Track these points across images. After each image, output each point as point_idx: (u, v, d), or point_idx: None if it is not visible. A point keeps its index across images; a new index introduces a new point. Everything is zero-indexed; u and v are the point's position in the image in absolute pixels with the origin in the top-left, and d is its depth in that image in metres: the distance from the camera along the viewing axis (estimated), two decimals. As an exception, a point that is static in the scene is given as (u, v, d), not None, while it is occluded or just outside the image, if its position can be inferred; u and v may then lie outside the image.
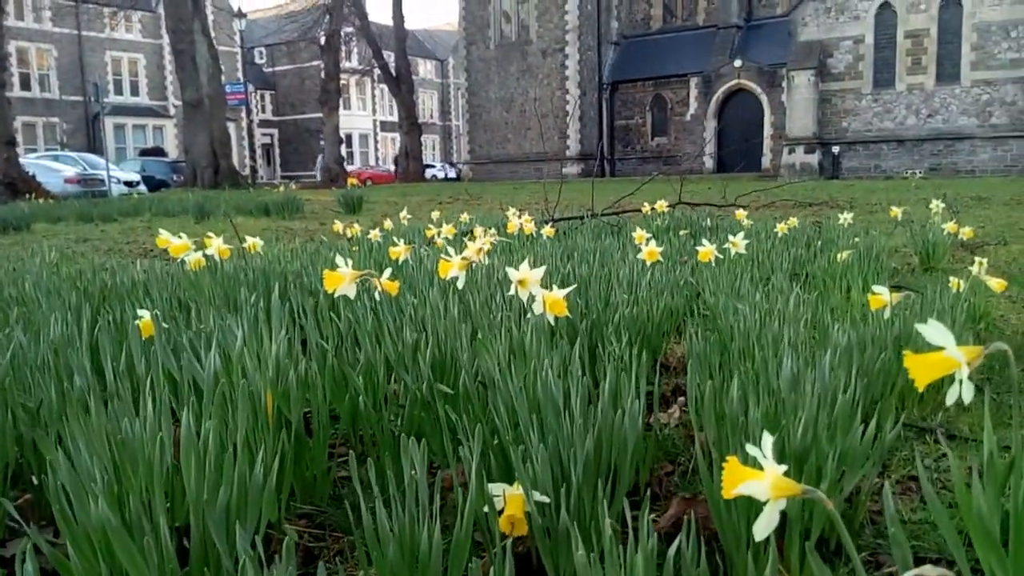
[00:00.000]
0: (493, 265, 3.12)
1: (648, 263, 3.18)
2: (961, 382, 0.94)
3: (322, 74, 33.68)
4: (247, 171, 35.80)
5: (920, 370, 0.95)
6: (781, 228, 4.83)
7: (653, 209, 6.68)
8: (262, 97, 52.82)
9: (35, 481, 1.65)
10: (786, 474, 0.88)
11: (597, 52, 35.81)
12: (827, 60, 26.23)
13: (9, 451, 1.68)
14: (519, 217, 4.90)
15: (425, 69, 59.01)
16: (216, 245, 3.14)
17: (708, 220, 6.47)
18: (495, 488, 1.31)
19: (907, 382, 1.79)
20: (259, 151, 50.68)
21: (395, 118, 44.14)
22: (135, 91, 42.79)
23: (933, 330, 0.94)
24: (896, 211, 5.68)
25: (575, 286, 2.41)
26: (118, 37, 41.28)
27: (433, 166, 47.94)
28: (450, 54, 56.63)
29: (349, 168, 38.21)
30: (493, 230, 4.37)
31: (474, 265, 2.60)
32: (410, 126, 36.07)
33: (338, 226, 5.81)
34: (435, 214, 5.98)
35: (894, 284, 3.93)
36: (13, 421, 1.70)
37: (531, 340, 1.87)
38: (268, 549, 1.44)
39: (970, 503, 1.08)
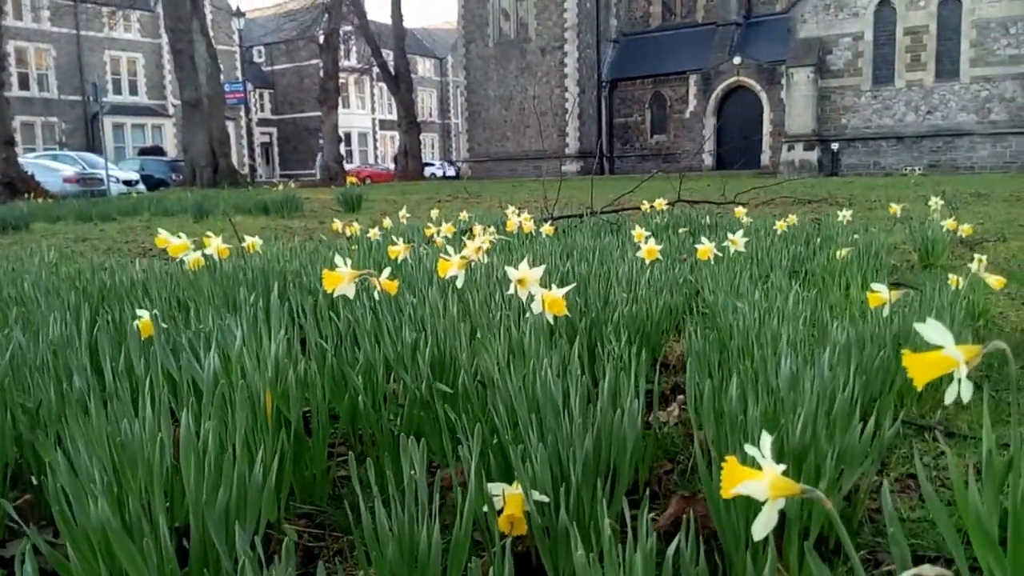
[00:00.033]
0: (492, 264, 3.12)
1: (647, 261, 3.18)
2: (960, 381, 0.94)
3: (321, 73, 33.64)
4: (246, 170, 35.78)
5: (919, 369, 0.95)
6: (780, 225, 4.83)
7: (652, 207, 6.68)
8: (261, 96, 52.79)
9: (35, 481, 1.65)
10: (785, 473, 0.88)
11: (596, 50, 35.79)
12: (826, 57, 26.22)
13: (8, 452, 1.68)
14: (518, 215, 4.90)
15: (424, 67, 58.97)
16: (215, 244, 3.14)
17: (707, 218, 6.47)
18: (494, 488, 1.31)
19: (906, 380, 1.79)
20: (258, 150, 50.65)
21: (394, 116, 44.12)
22: (134, 90, 42.76)
23: (931, 329, 0.94)
24: (895, 208, 5.68)
25: (574, 285, 2.41)
26: (117, 36, 41.24)
27: (432, 164, 47.91)
28: (449, 52, 56.60)
29: (348, 167, 38.20)
30: (492, 228, 4.37)
31: (473, 264, 2.60)
32: (409, 124, 36.04)
33: (337, 225, 5.81)
34: (434, 212, 5.98)
35: (893, 281, 3.93)
36: (12, 422, 1.70)
37: (530, 339, 1.87)
38: (268, 549, 1.44)
39: (968, 502, 1.08)
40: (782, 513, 0.88)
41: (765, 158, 30.50)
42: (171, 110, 42.26)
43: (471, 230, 4.71)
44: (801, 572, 1.32)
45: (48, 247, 5.95)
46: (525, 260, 1.90)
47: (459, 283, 2.17)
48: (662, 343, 2.78)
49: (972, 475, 1.15)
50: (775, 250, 4.24)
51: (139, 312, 2.09)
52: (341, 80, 35.90)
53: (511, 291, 1.91)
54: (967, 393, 0.94)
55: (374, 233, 4.56)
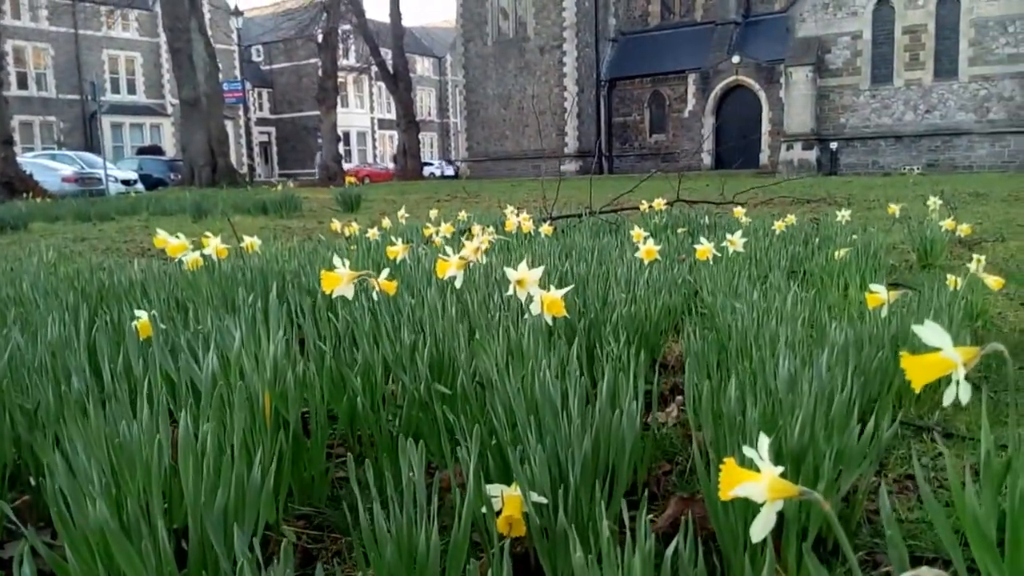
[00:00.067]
0: (491, 264, 3.12)
1: (646, 261, 3.18)
2: (958, 383, 0.95)
3: (319, 72, 33.61)
4: (245, 169, 35.75)
5: (917, 371, 0.95)
6: (779, 225, 4.83)
7: (651, 207, 6.68)
8: (259, 95, 52.74)
9: (33, 483, 1.65)
10: (783, 475, 0.88)
11: (595, 49, 35.79)
12: (825, 56, 26.22)
13: (7, 453, 1.68)
14: (517, 215, 4.90)
15: (423, 66, 58.94)
16: (213, 245, 3.14)
17: (706, 218, 6.48)
18: (493, 489, 1.31)
19: (904, 381, 1.79)
20: (257, 149, 50.63)
21: (393, 116, 44.10)
22: (132, 90, 42.72)
23: (930, 331, 0.94)
24: (894, 208, 5.69)
25: (572, 286, 2.41)
26: (115, 36, 41.19)
27: (431, 164, 47.90)
28: (448, 51, 56.59)
29: (347, 166, 38.18)
30: (491, 228, 4.37)
31: (472, 264, 2.60)
32: (408, 124, 36.02)
33: (336, 225, 5.80)
34: (433, 212, 5.97)
35: (892, 282, 3.94)
36: (11, 423, 1.70)
37: (529, 340, 1.87)
38: (266, 550, 1.44)
39: (966, 503, 1.08)
40: (780, 514, 0.88)
41: (764, 157, 30.51)
42: (169, 109, 42.23)
43: (470, 230, 4.71)
44: (799, 573, 1.32)
45: (46, 247, 5.94)
46: (524, 261, 1.91)
47: (458, 283, 2.17)
48: (661, 344, 2.78)
49: (970, 476, 1.15)
50: (774, 250, 4.24)
51: (137, 313, 2.09)
52: (340, 79, 35.89)
53: (510, 292, 1.91)
54: (965, 395, 0.94)
55: (373, 233, 4.56)
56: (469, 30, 37.81)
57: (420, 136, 40.44)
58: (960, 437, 2.03)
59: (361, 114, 53.82)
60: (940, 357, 0.94)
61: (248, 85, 41.48)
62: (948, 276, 2.75)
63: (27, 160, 23.55)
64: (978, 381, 2.31)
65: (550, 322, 1.89)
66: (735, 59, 31.23)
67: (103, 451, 1.34)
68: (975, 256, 2.83)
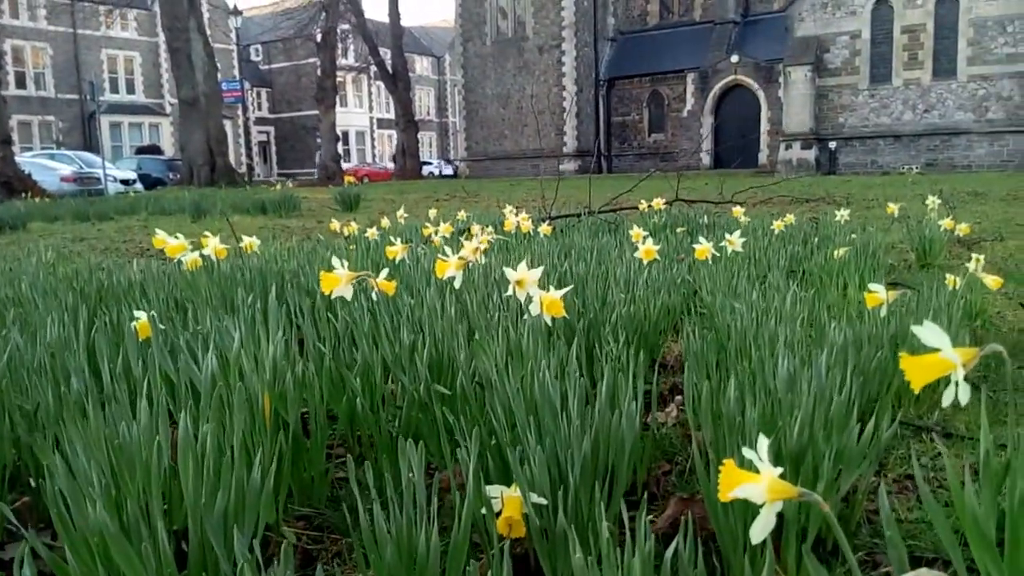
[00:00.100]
0: (490, 264, 3.12)
1: (645, 261, 3.18)
2: (957, 384, 0.95)
3: (318, 71, 33.58)
4: (244, 169, 35.74)
5: (916, 372, 0.95)
6: (778, 225, 4.84)
7: (650, 206, 6.68)
8: (258, 95, 52.71)
9: (33, 484, 1.64)
10: (782, 476, 0.88)
11: (594, 48, 35.79)
12: (824, 56, 26.23)
13: (7, 454, 1.68)
14: (516, 215, 4.90)
15: (422, 66, 58.91)
16: (213, 245, 3.14)
17: (705, 217, 6.48)
18: (493, 490, 1.32)
19: (903, 381, 1.79)
20: (256, 149, 50.60)
21: (392, 115, 44.11)
22: (131, 89, 42.68)
23: (929, 332, 0.94)
24: (893, 207, 5.69)
25: (572, 287, 2.41)
26: (114, 35, 41.15)
27: (430, 163, 47.89)
28: (447, 51, 56.56)
29: (346, 166, 38.16)
30: (490, 228, 4.37)
31: (471, 264, 2.60)
32: (407, 123, 36.01)
33: (335, 224, 5.80)
34: (432, 212, 5.97)
35: (891, 281, 3.94)
36: (11, 424, 1.70)
37: (528, 341, 1.87)
38: (266, 552, 1.44)
39: (965, 503, 1.09)
40: (780, 515, 0.88)
41: (763, 157, 30.52)
42: (168, 109, 42.20)
43: (469, 230, 4.71)
44: (799, 574, 1.32)
45: (45, 247, 5.94)
46: (523, 261, 1.91)
47: (457, 284, 2.17)
48: (660, 343, 2.78)
49: (969, 476, 1.15)
50: (773, 250, 4.25)
51: (137, 313, 2.09)
52: (339, 79, 35.87)
53: (509, 292, 1.91)
54: (964, 396, 0.95)
55: (372, 233, 4.56)
56: (468, 30, 37.80)
57: (419, 135, 40.43)
58: (959, 437, 2.03)
59: (360, 114, 53.79)
60: (939, 358, 0.94)
61: (247, 84, 41.44)
62: (947, 275, 2.76)
63: (26, 160, 23.51)
64: (977, 381, 2.32)
65: (549, 322, 1.89)
66: (734, 59, 31.24)
67: (103, 452, 1.34)
68: (974, 255, 2.83)
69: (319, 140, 35.89)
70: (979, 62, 24.20)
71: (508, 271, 1.87)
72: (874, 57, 25.64)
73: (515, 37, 36.45)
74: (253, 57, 53.05)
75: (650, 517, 1.49)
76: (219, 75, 28.51)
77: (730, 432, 1.50)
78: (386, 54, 36.33)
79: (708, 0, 34.70)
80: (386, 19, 36.03)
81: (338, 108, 35.19)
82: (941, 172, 23.13)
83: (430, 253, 3.77)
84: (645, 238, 3.48)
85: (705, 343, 2.14)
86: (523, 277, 1.84)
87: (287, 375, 1.72)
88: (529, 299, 1.85)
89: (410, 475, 1.25)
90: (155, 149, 38.17)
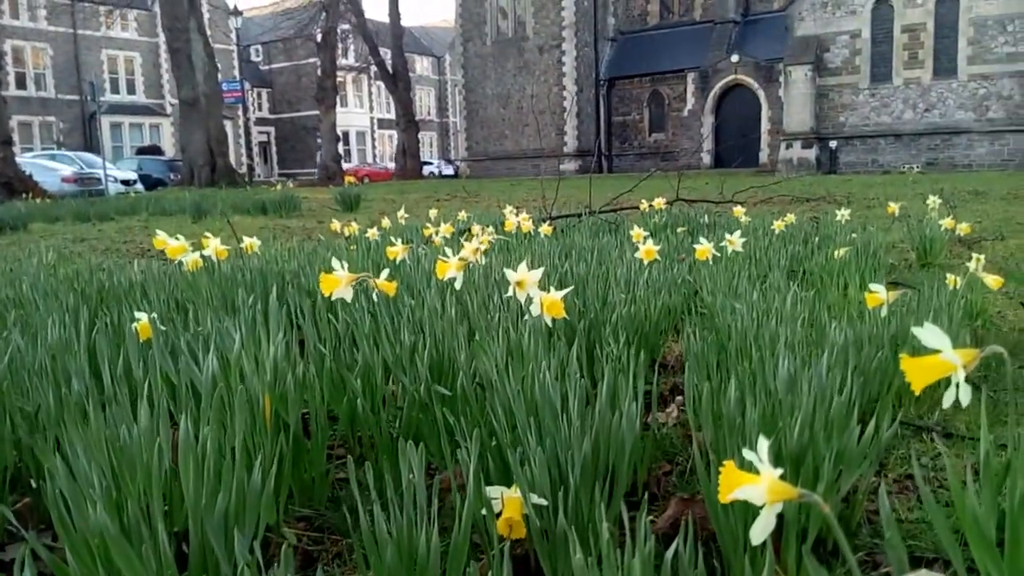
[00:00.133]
0: (491, 264, 3.13)
1: (646, 261, 3.18)
2: (958, 385, 0.95)
3: (319, 71, 33.58)
4: (244, 169, 35.74)
5: (916, 373, 0.95)
6: (778, 225, 4.83)
7: (651, 206, 6.68)
8: (259, 95, 52.73)
9: (34, 485, 1.65)
10: (783, 477, 0.88)
11: (594, 48, 35.79)
12: (824, 55, 26.22)
13: (8, 455, 1.68)
14: (517, 215, 4.90)
15: (422, 66, 58.93)
16: (213, 246, 3.14)
17: (706, 217, 6.48)
18: (493, 491, 1.32)
19: (904, 380, 1.79)
20: (256, 149, 50.63)
21: (392, 115, 44.11)
22: (131, 90, 42.70)
23: (929, 333, 0.94)
24: (893, 207, 5.69)
25: (572, 288, 2.41)
26: (114, 36, 41.17)
27: (430, 163, 47.90)
28: (447, 51, 56.56)
29: (346, 166, 38.17)
30: (491, 228, 4.37)
31: (471, 265, 2.61)
32: (407, 123, 36.01)
33: (336, 225, 5.80)
34: (433, 212, 5.97)
35: (891, 281, 3.94)
36: (11, 426, 1.70)
37: (529, 341, 1.87)
38: (267, 553, 1.44)
39: (965, 504, 1.09)
40: (780, 516, 0.88)
41: (763, 156, 30.51)
42: (169, 109, 42.22)
43: (469, 230, 4.71)
44: (799, 575, 1.32)
45: (46, 248, 5.94)
46: (524, 262, 1.91)
47: (457, 285, 2.17)
48: (661, 344, 2.78)
49: (971, 476, 1.15)
50: (773, 249, 4.24)
51: (137, 315, 2.09)
52: (339, 79, 35.87)
53: (509, 292, 1.91)
54: (965, 397, 0.95)
55: (372, 233, 4.56)
56: (468, 30, 37.80)
57: (419, 136, 40.43)
58: (960, 437, 2.03)
59: (360, 114, 53.80)
60: (940, 359, 0.95)
61: (247, 85, 41.46)
62: (947, 275, 2.75)
63: (26, 160, 23.53)
64: (978, 381, 2.32)
65: (550, 323, 1.89)
66: (734, 58, 31.22)
67: (103, 454, 1.34)
68: (974, 255, 2.83)
69: (319, 140, 35.89)
70: (979, 61, 24.20)
71: (508, 272, 1.87)
72: (874, 56, 25.64)
73: (515, 37, 36.45)
74: (253, 57, 53.07)
75: (650, 518, 1.50)
76: (219, 75, 28.52)
77: (730, 433, 1.50)
78: (386, 54, 36.33)
79: (708, 0, 34.69)
80: (386, 19, 36.03)
81: (338, 108, 35.20)
82: (942, 171, 23.13)
83: (431, 253, 3.77)
84: (646, 238, 3.48)
85: (706, 344, 2.14)
86: (523, 278, 1.84)
87: (288, 376, 1.72)
88: (529, 300, 1.85)
89: (410, 476, 1.25)
90: (156, 150, 38.20)
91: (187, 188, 21.13)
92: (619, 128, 36.32)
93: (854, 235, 4.69)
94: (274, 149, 53.98)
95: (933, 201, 5.71)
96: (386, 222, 5.40)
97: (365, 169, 41.30)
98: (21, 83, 38.09)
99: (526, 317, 1.91)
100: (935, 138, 25.11)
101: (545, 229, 4.69)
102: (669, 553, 1.08)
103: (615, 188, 9.90)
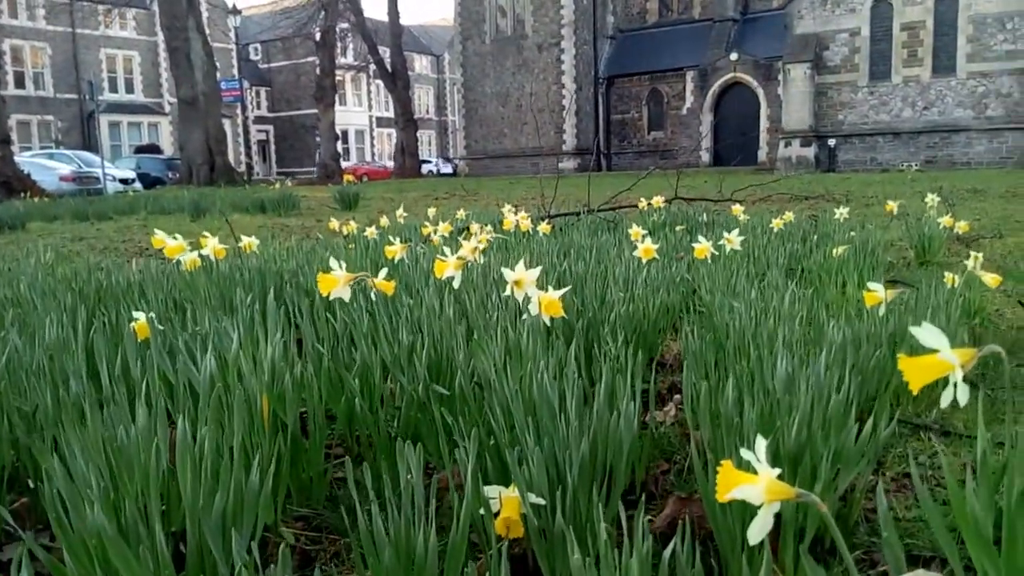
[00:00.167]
0: (489, 263, 3.12)
1: (644, 260, 3.18)
2: (955, 385, 0.95)
3: (317, 70, 33.55)
4: (243, 168, 35.74)
5: (914, 373, 0.95)
6: (777, 223, 4.83)
7: (649, 204, 6.68)
8: (257, 94, 52.68)
9: (32, 484, 1.64)
10: (780, 476, 0.88)
11: (593, 46, 35.78)
12: (823, 53, 26.23)
13: (5, 455, 1.68)
14: (515, 214, 4.90)
15: (421, 64, 58.88)
16: (211, 245, 3.13)
17: (704, 215, 6.48)
18: (491, 490, 1.32)
19: (902, 379, 1.79)
20: (255, 148, 50.60)
21: (391, 114, 44.08)
22: (130, 88, 42.65)
23: (927, 333, 0.94)
24: (892, 205, 5.69)
25: (570, 287, 2.41)
26: (112, 34, 41.11)
27: (429, 161, 47.88)
28: (446, 49, 56.55)
29: (345, 164, 38.14)
30: (489, 227, 4.37)
31: (470, 264, 2.60)
32: (406, 122, 35.98)
33: (334, 223, 5.80)
34: (431, 210, 5.97)
35: (889, 279, 3.94)
36: (9, 426, 1.70)
37: (527, 341, 1.87)
38: (265, 552, 1.44)
39: (962, 502, 1.09)
40: (778, 515, 0.89)
41: (762, 154, 30.51)
42: (167, 108, 42.17)
43: (468, 228, 4.71)
44: (797, 574, 1.32)
45: (44, 247, 5.94)
46: (521, 261, 1.90)
47: (456, 284, 2.17)
48: (659, 342, 2.78)
49: (969, 475, 1.15)
50: (772, 248, 4.24)
51: (135, 314, 2.09)
52: (338, 77, 35.83)
53: (508, 291, 1.91)
54: (963, 397, 0.95)
55: (371, 232, 4.56)
56: (467, 28, 37.78)
57: (418, 134, 40.42)
58: (957, 435, 2.03)
59: (359, 112, 53.77)
60: (938, 359, 0.95)
61: (246, 84, 41.46)
62: (946, 273, 2.76)
63: (25, 159, 23.50)
64: (975, 379, 2.32)
65: (548, 322, 1.89)
66: (733, 56, 31.21)
67: (101, 455, 1.34)
68: (973, 253, 2.83)
69: (318, 139, 35.89)
70: (978, 59, 24.21)
71: (506, 271, 1.87)
72: (873, 54, 25.65)
73: (514, 35, 36.44)
74: (252, 56, 53.01)
75: (648, 517, 1.50)
76: (218, 74, 28.51)
77: (728, 432, 1.50)
78: (385, 53, 36.30)
79: (707, -2, 34.73)
80: (385, 18, 35.99)
81: (337, 107, 35.19)
82: (940, 169, 23.14)
83: (429, 252, 3.77)
84: (644, 237, 3.47)
85: (704, 342, 2.14)
86: (521, 277, 1.84)
87: (286, 376, 1.72)
88: (528, 299, 1.85)
89: (408, 476, 1.25)
90: (154, 148, 38.15)
91: (186, 187, 21.11)
92: (618, 126, 36.31)
93: (852, 233, 4.69)
94: (273, 148, 53.94)
95: (932, 199, 5.71)
96: (385, 221, 5.40)
97: (364, 168, 41.28)
98: (20, 82, 38.05)
99: (524, 316, 1.91)
100: (934, 136, 25.13)
101: (544, 228, 4.69)
102: (667, 552, 1.08)
103: (614, 186, 9.90)
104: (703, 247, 3.19)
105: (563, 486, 1.34)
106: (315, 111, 35.73)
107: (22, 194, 17.35)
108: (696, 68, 32.21)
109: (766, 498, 0.86)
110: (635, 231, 3.75)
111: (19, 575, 1.09)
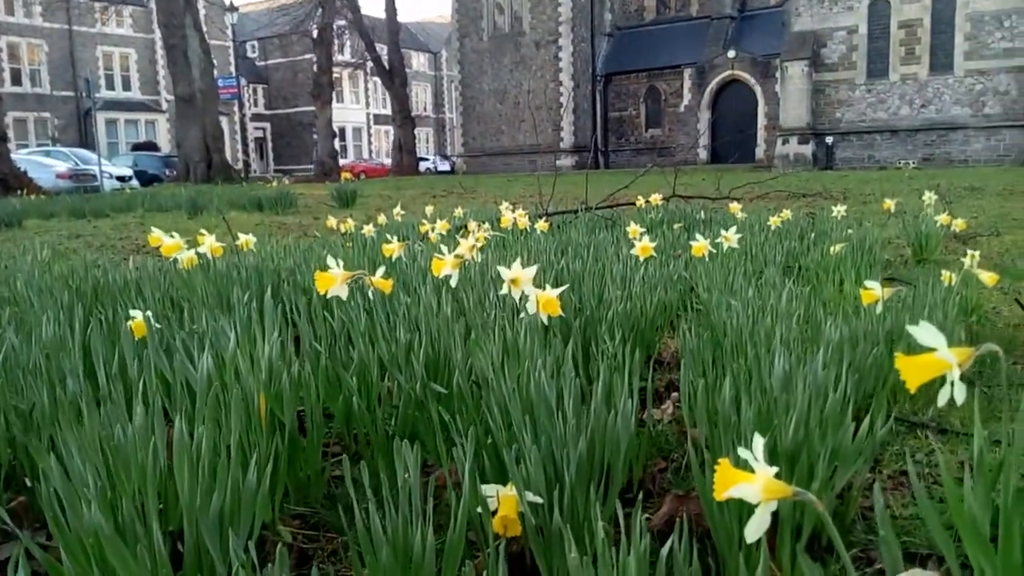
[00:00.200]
0: (487, 261, 3.12)
1: (642, 258, 3.18)
2: (952, 384, 0.95)
3: (315, 67, 33.48)
4: (240, 165, 35.67)
5: (911, 371, 0.95)
6: (774, 221, 4.83)
7: (647, 202, 6.68)
8: (255, 91, 52.60)
9: (28, 484, 1.64)
10: (777, 475, 0.88)
11: (591, 44, 35.76)
12: (821, 50, 26.23)
13: (2, 454, 1.67)
14: (513, 211, 4.89)
15: (418, 62, 58.82)
16: (208, 243, 3.13)
17: (702, 213, 6.48)
18: (488, 489, 1.32)
19: (899, 377, 1.79)
20: (252, 145, 50.50)
21: (388, 111, 43.99)
22: (127, 86, 42.55)
23: (924, 332, 0.95)
24: (889, 203, 5.70)
25: (568, 286, 2.41)
26: (109, 32, 41.02)
27: (427, 159, 47.83)
28: (443, 46, 56.51)
29: (343, 162, 38.11)
30: (487, 225, 4.37)
31: (467, 262, 2.60)
32: (403, 119, 35.92)
33: (332, 221, 5.79)
34: (429, 208, 5.97)
35: (887, 276, 3.95)
36: (6, 424, 1.69)
37: (525, 339, 1.87)
38: (262, 551, 1.44)
39: (959, 500, 1.09)
40: (775, 513, 0.89)
41: (760, 152, 30.52)
42: (164, 105, 42.08)
43: (466, 226, 4.71)
44: (794, 572, 1.33)
45: (41, 244, 5.93)
46: (518, 260, 1.90)
47: (453, 282, 2.17)
48: (656, 340, 2.79)
49: (966, 472, 1.15)
50: (769, 246, 4.25)
51: (132, 313, 2.09)
52: (335, 75, 35.76)
53: (505, 290, 1.91)
54: (960, 395, 0.95)
55: (368, 230, 4.56)
56: (464, 25, 37.75)
57: (416, 131, 40.32)
58: (954, 433, 2.03)
59: (357, 109, 53.71)
60: (935, 358, 0.95)
61: (243, 81, 41.37)
62: (943, 271, 2.76)
63: (21, 157, 23.41)
64: (972, 376, 2.32)
65: (546, 320, 1.89)
66: (731, 54, 31.21)
67: (98, 454, 1.34)
68: (970, 251, 2.83)
69: (316, 136, 35.75)
70: (976, 57, 24.23)
71: (503, 270, 1.87)
72: (871, 52, 25.67)
73: (512, 32, 36.41)
74: (249, 53, 52.94)
75: (646, 515, 1.50)
76: (215, 71, 28.43)
77: (726, 430, 1.51)
78: (382, 50, 36.22)
79: (705, -5, 34.72)
80: (382, 15, 35.93)
81: (335, 104, 35.13)
82: (938, 167, 23.16)
83: (427, 250, 3.76)
84: (642, 235, 3.47)
85: (701, 340, 2.15)
86: (518, 276, 1.84)
87: (283, 374, 1.72)
88: (525, 297, 1.85)
89: (406, 475, 1.25)
90: (151, 146, 38.04)
91: (183, 184, 21.06)
92: (615, 124, 36.31)
93: (850, 231, 4.70)
94: (270, 145, 53.88)
95: (929, 197, 5.71)
96: (382, 219, 5.39)
97: (361, 165, 41.25)
98: (16, 79, 37.96)
99: (522, 315, 1.91)
100: (931, 134, 25.15)
101: (541, 225, 4.69)
102: (664, 550, 1.08)
103: (612, 184, 9.89)
104: (701, 245, 3.20)
105: (560, 484, 1.34)
106: (312, 108, 35.65)
107: (19, 191, 17.30)
108: (694, 65, 32.20)
109: (763, 496, 0.86)
110: (633, 229, 3.75)
111: (16, 574, 1.09)
